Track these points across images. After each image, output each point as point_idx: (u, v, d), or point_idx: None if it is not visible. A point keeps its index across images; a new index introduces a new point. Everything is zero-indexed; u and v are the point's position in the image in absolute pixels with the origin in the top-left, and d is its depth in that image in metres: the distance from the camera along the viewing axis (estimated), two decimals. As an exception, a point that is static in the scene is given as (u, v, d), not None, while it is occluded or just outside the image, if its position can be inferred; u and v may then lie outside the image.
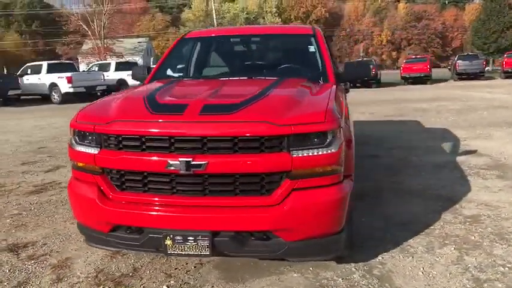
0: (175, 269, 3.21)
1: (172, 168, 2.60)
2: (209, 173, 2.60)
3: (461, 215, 4.12)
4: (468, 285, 2.90)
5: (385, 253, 3.40)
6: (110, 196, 2.79)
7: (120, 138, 2.72)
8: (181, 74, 4.16)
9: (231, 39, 4.50)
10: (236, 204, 2.64)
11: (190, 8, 67.73)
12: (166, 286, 2.98)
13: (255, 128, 2.56)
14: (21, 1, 67.09)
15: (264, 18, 66.02)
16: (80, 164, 2.92)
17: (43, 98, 21.01)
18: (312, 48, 4.16)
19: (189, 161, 2.57)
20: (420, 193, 4.79)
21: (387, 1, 79.21)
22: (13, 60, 56.48)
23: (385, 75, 32.63)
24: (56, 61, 24.29)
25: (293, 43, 4.47)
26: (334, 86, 3.54)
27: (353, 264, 3.23)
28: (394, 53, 76.65)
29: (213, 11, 53.95)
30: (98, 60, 39.79)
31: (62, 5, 56.28)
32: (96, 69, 22.73)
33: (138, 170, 2.71)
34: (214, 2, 57.35)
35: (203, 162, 2.57)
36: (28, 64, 22.38)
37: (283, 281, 3.02)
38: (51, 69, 20.20)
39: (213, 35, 4.63)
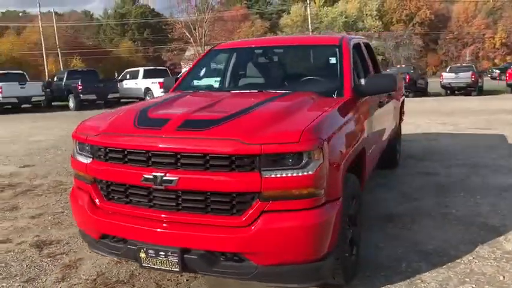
0: (168, 280, 3.26)
1: (146, 182, 2.64)
2: (180, 189, 2.60)
3: (500, 250, 3.63)
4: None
5: (389, 285, 3.11)
6: (98, 205, 2.91)
7: (107, 150, 2.83)
8: (201, 85, 4.21)
9: (255, 51, 4.46)
10: (206, 222, 2.60)
11: (289, 13, 68.27)
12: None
13: (223, 146, 2.51)
14: (135, 11, 72.94)
15: (363, 21, 64.30)
16: (78, 173, 3.09)
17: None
18: (333, 60, 3.95)
19: (161, 176, 2.60)
20: (465, 220, 4.30)
21: (503, 1, 72.54)
22: (126, 65, 61.48)
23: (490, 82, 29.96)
24: (151, 67, 25.95)
25: (315, 54, 4.31)
26: (343, 102, 3.34)
27: (345, 295, 3.00)
28: (508, 57, 69.92)
29: (309, 16, 53.79)
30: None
31: (171, 14, 59.95)
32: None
33: (120, 182, 2.80)
34: (312, 7, 57.23)
35: (174, 178, 2.57)
36: (127, 70, 24.24)
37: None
38: (146, 75, 21.69)
39: (238, 46, 4.62)
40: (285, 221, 2.51)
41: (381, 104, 4.37)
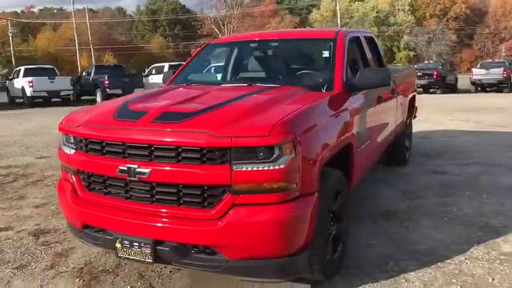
0: (152, 271, 3.29)
1: (122, 173, 2.67)
2: (153, 181, 2.62)
3: (495, 251, 3.50)
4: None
5: (371, 283, 3.04)
6: (80, 195, 2.97)
7: (88, 141, 2.88)
8: (195, 79, 4.20)
9: (250, 45, 4.43)
10: (179, 215, 2.61)
11: (319, 8, 67.55)
12: (130, 287, 3.06)
13: (194, 138, 2.51)
14: (166, 7, 73.78)
15: (395, 16, 62.95)
16: (63, 164, 3.16)
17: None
18: (326, 54, 3.89)
19: (135, 168, 2.62)
20: (466, 220, 4.16)
21: (544, -6, 69.54)
22: (156, 61, 62.50)
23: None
24: (176, 62, 26.22)
25: (310, 48, 4.25)
26: (330, 96, 3.28)
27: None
28: (550, 53, 66.99)
29: (338, 11, 53.07)
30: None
31: (201, 10, 60.51)
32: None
33: (99, 173, 2.85)
34: (343, 2, 56.45)
35: (147, 170, 2.60)
36: (153, 65, 24.55)
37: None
38: (171, 69, 21.91)
39: (234, 41, 4.60)
40: (255, 214, 2.50)
41: (380, 100, 4.27)
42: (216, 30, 49.56)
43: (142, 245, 2.65)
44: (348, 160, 3.41)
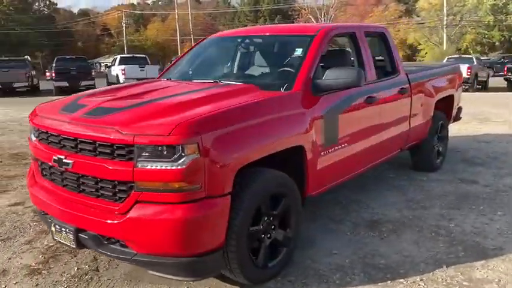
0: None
1: (54, 162, 2.89)
2: (75, 172, 2.79)
3: (464, 276, 3.15)
4: None
5: (299, 294, 2.93)
6: (37, 181, 3.26)
7: (39, 131, 3.15)
8: (176, 74, 4.27)
9: (231, 42, 4.39)
10: (96, 207, 2.76)
11: (427, -4, 63.25)
12: (77, 268, 3.30)
13: (104, 134, 2.64)
14: (269, -3, 74.60)
15: (515, 4, 56.70)
16: (30, 151, 3.48)
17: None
18: (298, 52, 3.72)
19: (62, 158, 2.82)
20: (456, 237, 3.77)
21: None
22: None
23: None
24: None
25: (288, 45, 4.06)
26: (278, 96, 3.19)
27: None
28: None
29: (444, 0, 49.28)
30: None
31: (302, -1, 60.09)
32: None
33: (44, 160, 3.10)
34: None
35: (70, 161, 2.78)
36: None
37: (163, 291, 2.97)
38: None
39: (219, 37, 4.55)
40: (155, 212, 2.55)
41: (371, 100, 3.99)
42: (313, 19, 49.01)
43: (67, 231, 2.86)
44: (301, 163, 3.28)
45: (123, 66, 21.31)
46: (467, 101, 14.58)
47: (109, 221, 2.64)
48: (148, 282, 3.07)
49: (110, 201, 2.69)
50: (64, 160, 2.81)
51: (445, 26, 49.55)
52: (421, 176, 5.51)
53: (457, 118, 6.47)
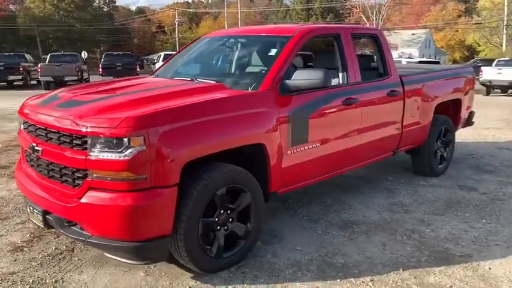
0: (85, 238, 3.77)
1: (30, 149, 3.19)
2: (44, 158, 3.07)
3: (416, 279, 3.17)
4: None
5: (241, 285, 3.05)
6: (21, 167, 3.59)
7: (23, 121, 3.46)
8: (163, 72, 4.48)
9: (215, 41, 4.54)
10: (59, 191, 3.03)
11: (490, -5, 60.29)
12: (55, 248, 3.60)
13: (64, 124, 2.91)
14: (321, -5, 73.96)
15: None
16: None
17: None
18: (272, 53, 3.81)
19: (34, 146, 3.11)
20: (426, 242, 3.74)
21: None
22: (306, 49, 63.82)
23: None
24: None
25: (265, 46, 4.14)
26: (239, 95, 3.34)
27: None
28: None
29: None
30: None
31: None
32: None
33: (25, 148, 3.41)
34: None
35: (39, 148, 3.06)
36: None
37: (125, 274, 3.19)
38: None
39: (208, 37, 4.70)
40: (104, 198, 2.78)
41: (351, 101, 4.02)
42: (364, 19, 48.11)
43: (37, 212, 3.15)
44: (264, 160, 3.39)
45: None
46: (505, 106, 13.94)
47: (67, 205, 2.90)
48: (113, 265, 3.30)
49: (70, 186, 2.94)
50: (36, 147, 3.09)
51: (504, 26, 47.13)
52: (420, 181, 5.43)
53: (469, 123, 6.29)
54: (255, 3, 75.04)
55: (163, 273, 3.20)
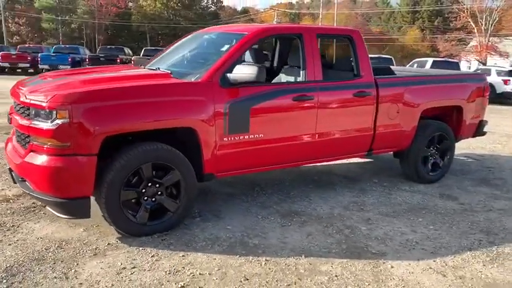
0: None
1: (8, 121, 3.95)
2: (14, 125, 3.80)
3: (310, 265, 3.34)
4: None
5: (153, 248, 3.50)
6: (11, 139, 4.38)
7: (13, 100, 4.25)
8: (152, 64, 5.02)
9: (197, 37, 4.93)
10: (18, 153, 3.72)
11: None
12: (33, 203, 4.34)
13: (21, 97, 3.61)
14: (430, -2, 70.29)
15: None
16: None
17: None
18: (224, 48, 4.16)
19: (10, 116, 3.86)
20: (350, 237, 3.86)
21: None
22: (411, 54, 61.15)
23: None
24: (441, 59, 24.80)
25: (225, 42, 4.44)
26: (175, 84, 3.79)
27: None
28: None
29: None
30: (478, 60, 39.08)
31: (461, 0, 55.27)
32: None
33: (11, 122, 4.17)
34: None
35: (12, 117, 3.80)
36: (416, 60, 23.90)
37: (69, 228, 3.82)
38: (434, 66, 20.70)
39: (195, 33, 5.09)
40: (36, 159, 3.40)
41: (302, 98, 4.24)
42: (472, 23, 44.86)
43: (9, 170, 3.88)
44: (196, 144, 3.79)
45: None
46: None
47: (17, 163, 3.59)
48: (65, 222, 3.92)
49: (24, 148, 3.62)
50: (10, 116, 3.84)
51: None
52: (405, 186, 5.38)
53: (479, 133, 6.00)
54: (357, 5, 73.66)
55: (98, 231, 3.77)
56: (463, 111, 5.59)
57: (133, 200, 3.66)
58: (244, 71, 3.82)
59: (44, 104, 3.31)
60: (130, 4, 58.39)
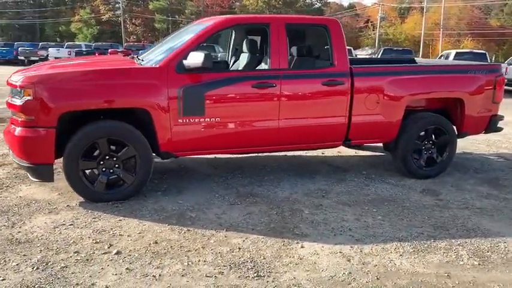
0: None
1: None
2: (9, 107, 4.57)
3: (226, 240, 3.58)
4: None
5: (111, 215, 4.00)
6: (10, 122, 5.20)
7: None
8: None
9: (188, 27, 5.25)
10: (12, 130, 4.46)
11: None
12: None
13: (7, 79, 4.31)
14: None
15: None
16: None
17: None
18: (188, 37, 4.49)
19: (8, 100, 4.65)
20: (286, 220, 3.97)
21: None
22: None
23: None
24: (466, 50, 23.32)
25: (193, 31, 4.67)
26: (133, 69, 4.26)
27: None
28: None
29: None
30: None
31: None
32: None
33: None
34: None
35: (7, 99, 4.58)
36: (443, 52, 22.49)
37: (45, 192, 4.50)
38: (457, 57, 19.31)
39: (193, 22, 5.42)
40: (14, 130, 4.10)
41: (263, 85, 4.42)
42: None
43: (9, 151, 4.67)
44: (150, 123, 4.21)
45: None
46: None
47: (12, 138, 4.31)
48: (49, 187, 4.60)
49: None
50: (10, 102, 4.61)
51: None
52: (392, 179, 5.22)
53: (492, 129, 5.54)
54: (474, -3, 67.85)
55: (69, 196, 4.37)
56: (464, 105, 5.24)
57: (94, 170, 4.21)
58: (191, 58, 4.14)
59: (17, 84, 3.98)
60: (236, 4, 60.77)
